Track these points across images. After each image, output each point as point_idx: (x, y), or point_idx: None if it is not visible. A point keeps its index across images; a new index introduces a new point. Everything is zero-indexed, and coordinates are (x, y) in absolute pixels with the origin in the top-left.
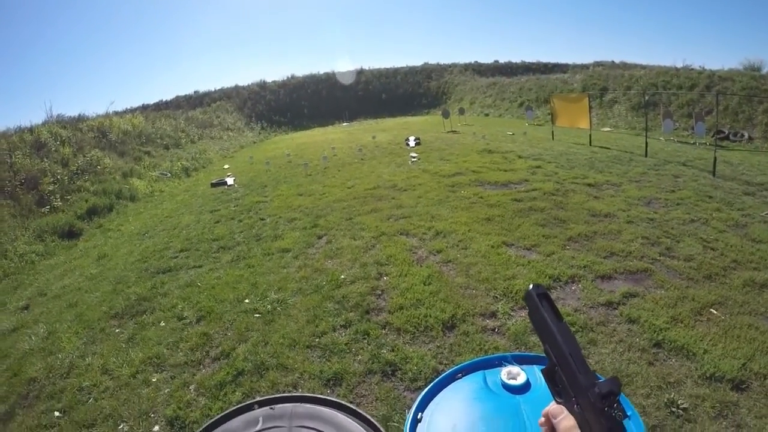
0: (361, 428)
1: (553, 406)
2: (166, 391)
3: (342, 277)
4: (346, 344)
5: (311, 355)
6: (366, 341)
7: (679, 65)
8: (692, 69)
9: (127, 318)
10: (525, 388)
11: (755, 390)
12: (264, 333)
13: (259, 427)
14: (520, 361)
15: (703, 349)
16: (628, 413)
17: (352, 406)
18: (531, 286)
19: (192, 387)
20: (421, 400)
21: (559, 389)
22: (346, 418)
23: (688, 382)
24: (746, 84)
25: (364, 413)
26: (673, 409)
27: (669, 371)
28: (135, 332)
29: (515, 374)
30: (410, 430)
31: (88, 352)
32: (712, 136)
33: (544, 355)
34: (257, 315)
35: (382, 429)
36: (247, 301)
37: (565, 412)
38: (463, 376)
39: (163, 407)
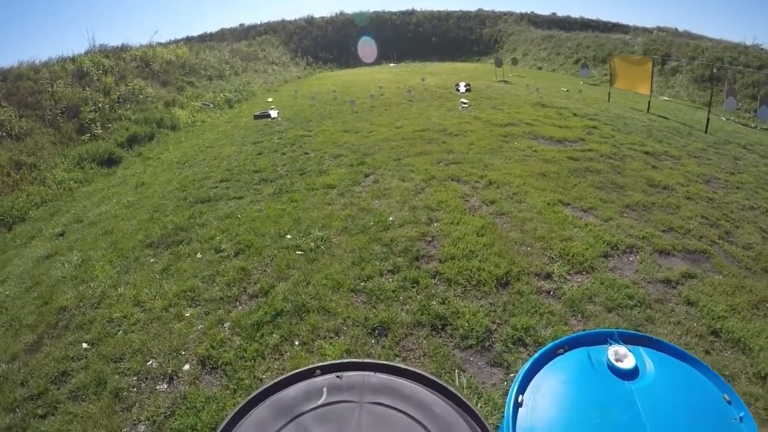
0: (452, 410)
1: None
2: (199, 327)
3: (390, 219)
4: (393, 291)
5: (356, 299)
6: (415, 290)
7: (749, 42)
8: (762, 48)
9: (163, 248)
10: (634, 373)
11: None
12: (306, 272)
13: (323, 401)
14: (625, 339)
15: (760, 346)
16: (741, 414)
17: (440, 381)
18: None
19: (227, 325)
20: (522, 379)
21: None
22: (434, 396)
23: (743, 378)
24: None
25: (456, 392)
26: None
27: (725, 363)
28: (170, 263)
29: (622, 356)
30: (512, 416)
31: (121, 282)
32: None
33: (649, 335)
34: (299, 252)
35: (475, 410)
36: (288, 236)
37: None
38: (564, 351)
39: (195, 345)
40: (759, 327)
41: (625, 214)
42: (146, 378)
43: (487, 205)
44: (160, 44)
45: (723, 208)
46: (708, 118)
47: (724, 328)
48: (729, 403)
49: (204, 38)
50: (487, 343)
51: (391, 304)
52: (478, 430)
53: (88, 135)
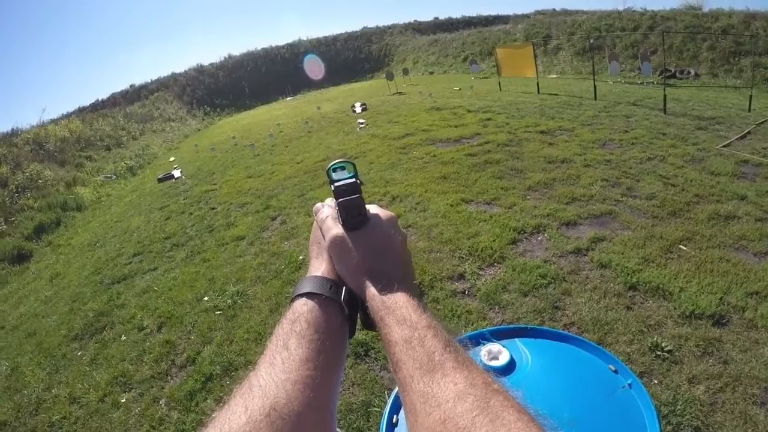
0: None
1: (316, 204)
2: (136, 410)
3: (300, 257)
4: None
5: None
6: None
7: (621, 8)
8: (634, 11)
9: (87, 338)
10: (509, 367)
11: (736, 324)
12: (227, 330)
13: None
14: (499, 335)
15: (679, 287)
16: (629, 381)
17: None
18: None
19: (162, 402)
20: (395, 398)
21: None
22: None
23: (669, 323)
24: (689, 22)
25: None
26: (658, 353)
27: (648, 314)
28: (97, 352)
29: (496, 353)
30: None
31: (54, 383)
32: (659, 75)
33: (524, 326)
34: (218, 312)
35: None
36: (206, 298)
37: (324, 205)
38: None
39: (137, 429)
40: (675, 270)
41: (528, 197)
42: None
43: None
44: (52, 121)
45: (621, 166)
46: (594, 86)
47: (641, 280)
48: (615, 372)
49: (96, 106)
50: None
51: None
52: None
53: None
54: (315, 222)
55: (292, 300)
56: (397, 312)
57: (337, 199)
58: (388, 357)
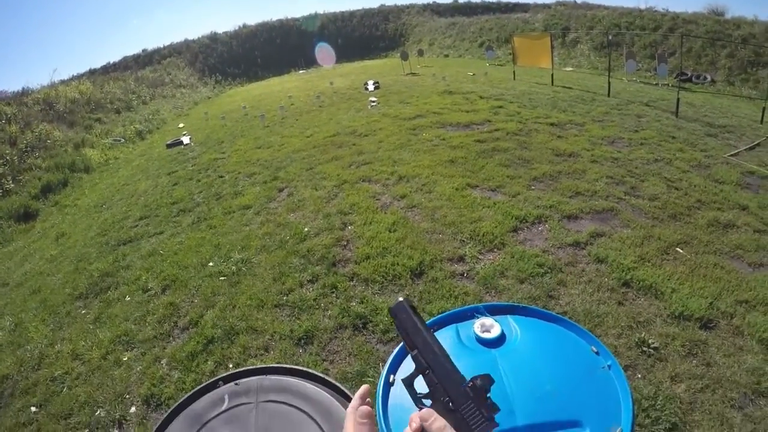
0: (330, 396)
1: (422, 411)
2: (138, 369)
3: (306, 230)
4: (314, 300)
5: (280, 314)
6: (334, 295)
7: (643, 6)
8: (656, 11)
9: (92, 297)
10: (500, 340)
11: (723, 329)
12: (231, 296)
13: (225, 406)
14: (493, 311)
15: (671, 288)
16: (608, 363)
17: (319, 374)
18: (400, 299)
19: (164, 361)
20: (392, 361)
21: (423, 395)
22: (315, 387)
23: (658, 321)
24: (710, 28)
25: (332, 380)
26: (645, 349)
27: (639, 311)
28: (101, 311)
29: (489, 326)
30: (383, 394)
31: (57, 339)
32: (675, 78)
33: (516, 304)
34: (222, 278)
35: (349, 394)
36: (211, 264)
37: (435, 414)
38: (435, 331)
39: (137, 386)
40: (669, 271)
41: (533, 187)
42: (97, 428)
43: (398, 201)
44: (62, 82)
45: (628, 165)
46: (609, 82)
47: (635, 277)
48: (597, 354)
49: (107, 69)
50: None
51: (314, 313)
52: (341, 398)
53: (0, 191)
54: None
55: None
56: None
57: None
58: None
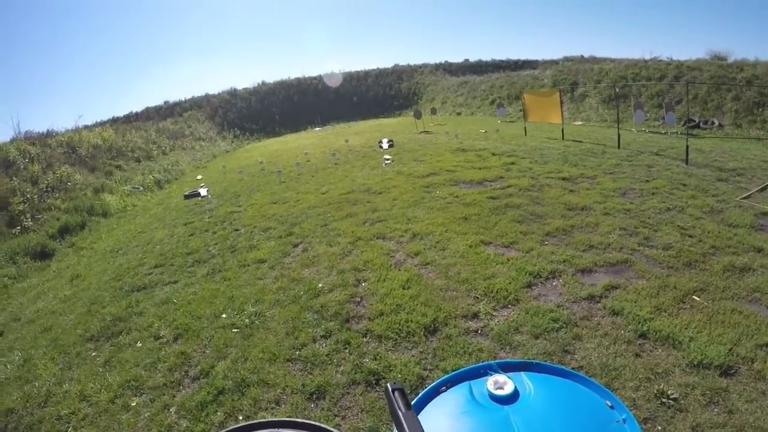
0: None
1: None
2: (146, 415)
3: (320, 285)
4: (327, 355)
5: (292, 368)
6: (347, 351)
7: (647, 57)
8: (660, 60)
9: (103, 340)
10: (513, 397)
11: (743, 374)
12: (243, 348)
13: None
14: (506, 368)
15: (689, 337)
16: (623, 416)
17: (331, 428)
18: (388, 385)
19: (172, 409)
20: None
21: None
22: None
23: (677, 372)
24: (714, 73)
25: None
26: (664, 400)
27: (656, 362)
28: (111, 355)
29: (502, 383)
30: None
31: (65, 378)
32: (683, 125)
33: (530, 360)
34: (235, 330)
35: None
36: (224, 315)
37: None
38: (447, 388)
39: None
40: (686, 320)
41: (546, 242)
42: None
43: (412, 258)
44: (86, 127)
45: (640, 215)
46: (618, 134)
47: (652, 328)
48: (612, 408)
49: (129, 118)
50: (420, 390)
51: (326, 368)
52: None
53: (19, 228)
54: None
55: None
56: None
57: None
58: None
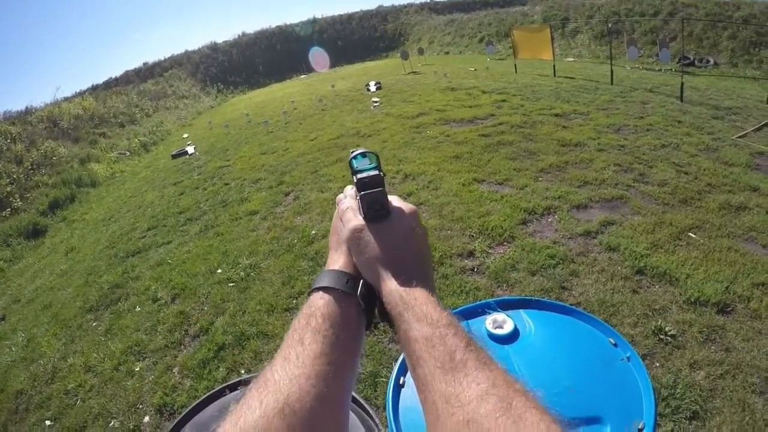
0: None
1: (344, 190)
2: (150, 378)
3: (313, 232)
4: None
5: (290, 317)
6: None
7: None
8: None
9: (103, 309)
10: (513, 336)
11: (740, 313)
12: (240, 302)
13: None
14: (505, 306)
15: (686, 274)
16: (627, 354)
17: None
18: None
19: (175, 370)
20: (402, 362)
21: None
22: None
23: (674, 308)
24: (710, 10)
25: None
26: (662, 337)
27: (654, 298)
28: (112, 323)
29: (501, 322)
30: (393, 396)
31: (69, 353)
32: (678, 62)
33: (529, 297)
34: (231, 284)
35: (362, 402)
36: (219, 271)
37: (348, 195)
38: None
39: (150, 396)
40: (683, 257)
41: (540, 179)
42: None
43: (405, 198)
44: (66, 99)
45: (635, 152)
46: (611, 70)
47: (648, 265)
48: (615, 346)
49: (110, 84)
50: None
51: None
52: (363, 414)
53: (9, 210)
54: (336, 212)
55: (310, 293)
56: (416, 308)
57: (359, 191)
58: (405, 353)
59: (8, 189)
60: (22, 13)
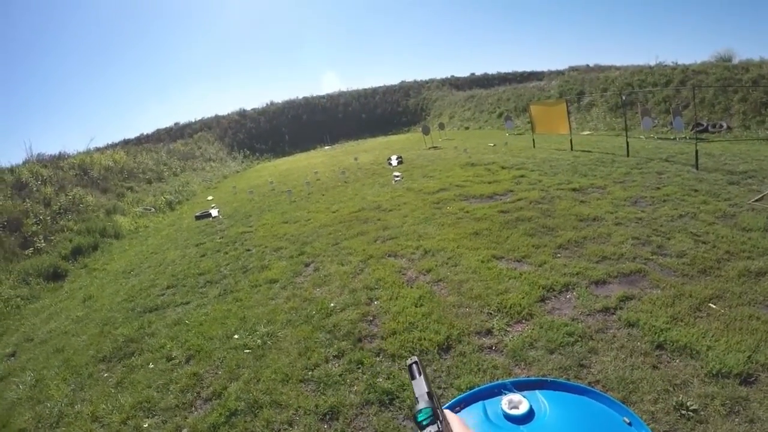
0: None
1: None
2: None
3: (331, 305)
4: (340, 375)
5: (305, 389)
6: (360, 370)
7: (653, 63)
8: (666, 65)
9: (115, 361)
10: (528, 417)
11: (763, 382)
12: (255, 369)
13: None
14: (520, 387)
15: (707, 346)
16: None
17: None
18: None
19: (185, 431)
20: None
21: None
22: None
23: (695, 382)
24: (720, 75)
25: None
26: (683, 412)
27: (674, 373)
28: (123, 376)
29: (516, 403)
30: None
31: (77, 399)
32: (691, 130)
33: (544, 378)
34: (247, 351)
35: None
36: (236, 336)
37: None
38: (461, 409)
39: None
40: (703, 329)
41: (558, 255)
42: None
43: (424, 275)
44: (97, 149)
45: (652, 224)
46: (627, 142)
47: (668, 339)
48: (629, 424)
49: (141, 140)
50: None
51: (339, 388)
52: None
53: (32, 249)
54: None
55: None
56: None
57: None
58: None
59: (33, 228)
60: (64, 60)
